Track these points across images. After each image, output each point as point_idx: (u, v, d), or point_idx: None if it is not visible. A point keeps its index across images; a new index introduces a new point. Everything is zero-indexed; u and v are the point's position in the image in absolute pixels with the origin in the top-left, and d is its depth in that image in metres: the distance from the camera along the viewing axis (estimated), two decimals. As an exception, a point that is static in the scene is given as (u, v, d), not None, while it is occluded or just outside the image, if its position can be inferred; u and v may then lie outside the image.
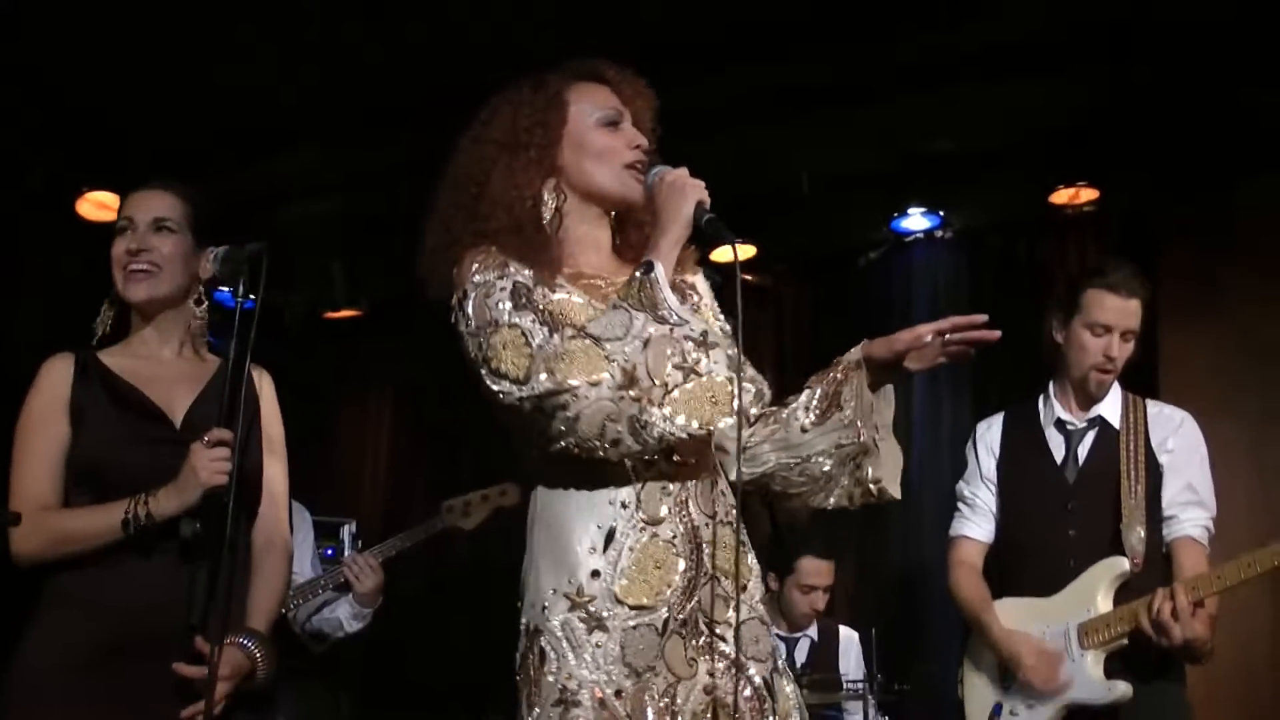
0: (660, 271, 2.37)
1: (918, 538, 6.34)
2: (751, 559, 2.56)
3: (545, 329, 2.35)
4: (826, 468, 2.62)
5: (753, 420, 2.64)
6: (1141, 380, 4.19)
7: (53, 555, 2.89)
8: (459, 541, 5.19)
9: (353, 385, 8.04)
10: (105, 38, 5.13)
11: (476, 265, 2.47)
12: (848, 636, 5.57)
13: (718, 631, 2.44)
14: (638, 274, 2.39)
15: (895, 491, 2.64)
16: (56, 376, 3.04)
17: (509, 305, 2.39)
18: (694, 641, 2.41)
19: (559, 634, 2.37)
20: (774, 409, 2.69)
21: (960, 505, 4.26)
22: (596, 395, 2.26)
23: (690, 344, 2.32)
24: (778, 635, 5.49)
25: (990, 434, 4.22)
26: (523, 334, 2.34)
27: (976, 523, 4.19)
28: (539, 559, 2.47)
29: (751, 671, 2.45)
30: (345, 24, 5.14)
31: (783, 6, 5.02)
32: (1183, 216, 5.92)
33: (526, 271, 2.46)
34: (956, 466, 6.12)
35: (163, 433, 3.00)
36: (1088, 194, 6.01)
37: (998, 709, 3.99)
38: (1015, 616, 3.96)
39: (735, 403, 2.34)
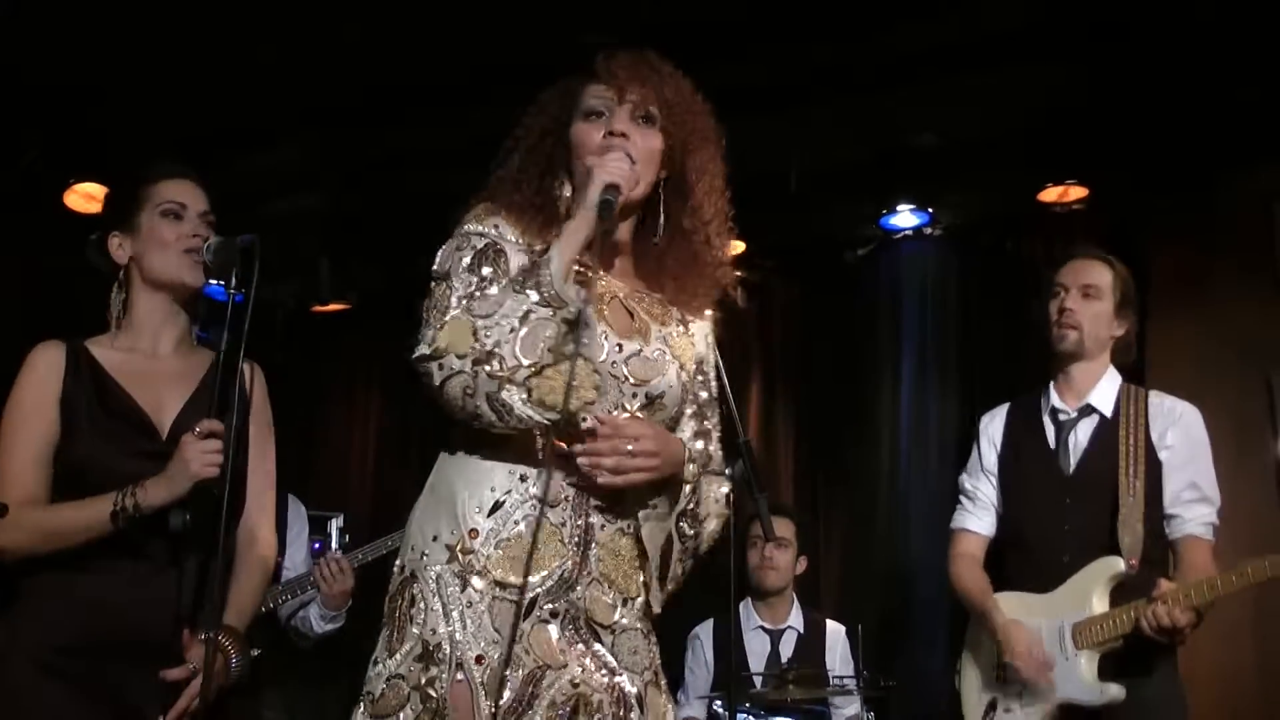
0: (554, 254, 2.37)
1: (905, 533, 6.37)
2: (644, 577, 2.53)
3: (469, 299, 2.39)
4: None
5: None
6: (1130, 376, 4.20)
7: (40, 550, 2.87)
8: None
9: (340, 378, 8.04)
10: (93, 31, 5.12)
11: (471, 217, 2.52)
12: (834, 631, 5.57)
13: (597, 633, 2.44)
14: (534, 258, 2.42)
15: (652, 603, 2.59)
16: (48, 367, 2.99)
17: (466, 260, 2.44)
18: (569, 633, 2.40)
19: (432, 584, 2.38)
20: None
21: (961, 498, 4.25)
22: (459, 367, 2.31)
23: (565, 326, 2.33)
24: (763, 628, 5.50)
25: (993, 425, 4.23)
26: (449, 296, 2.41)
27: (977, 515, 4.18)
28: (428, 505, 2.48)
29: (622, 679, 2.43)
30: (333, 18, 5.13)
31: (771, 1, 5.02)
32: (1170, 214, 5.94)
33: (514, 235, 2.49)
34: (943, 463, 6.16)
35: (149, 445, 2.97)
36: (1076, 192, 6.03)
37: (992, 705, 3.99)
38: (1013, 610, 3.96)
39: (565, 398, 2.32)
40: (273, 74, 5.48)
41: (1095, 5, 4.93)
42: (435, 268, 2.48)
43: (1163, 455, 3.91)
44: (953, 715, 4.18)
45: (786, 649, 5.46)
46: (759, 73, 5.36)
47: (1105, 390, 4.02)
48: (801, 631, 5.49)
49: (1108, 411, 3.99)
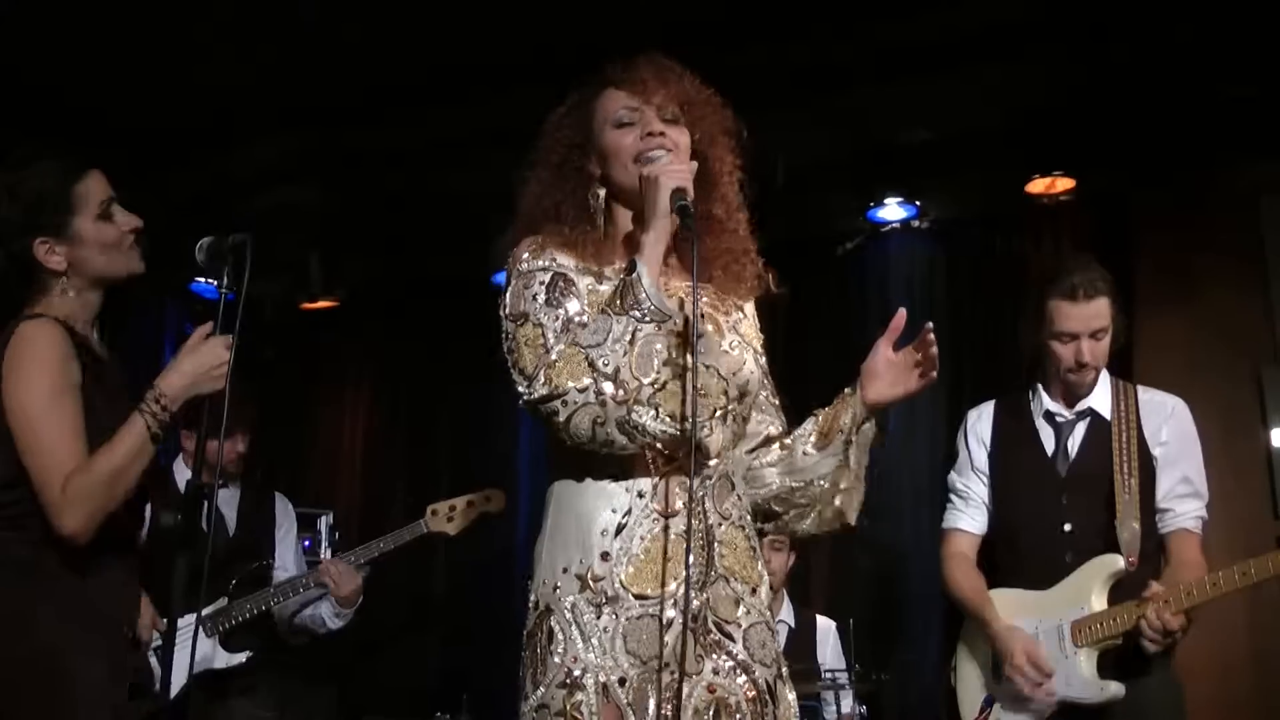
0: (642, 270, 2.41)
1: (894, 527, 6.36)
2: (761, 565, 2.60)
3: (565, 332, 2.42)
4: (825, 486, 2.67)
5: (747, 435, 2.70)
6: (1119, 368, 4.20)
7: (111, 505, 2.85)
8: (438, 540, 5.18)
9: (329, 375, 8.02)
10: (80, 24, 5.10)
11: (527, 254, 2.54)
12: (825, 626, 5.56)
13: (726, 630, 2.48)
14: (623, 276, 2.44)
15: (851, 517, 2.70)
16: (62, 347, 2.93)
17: (542, 299, 2.47)
18: (703, 638, 2.45)
19: (568, 615, 2.42)
20: (781, 438, 2.75)
21: (952, 497, 4.23)
22: (584, 400, 2.34)
23: (675, 339, 2.38)
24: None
25: (981, 424, 4.20)
26: (543, 334, 2.42)
27: (969, 515, 4.16)
28: (553, 537, 2.52)
29: (756, 674, 2.48)
30: (321, 12, 5.11)
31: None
32: (1158, 205, 5.96)
33: (572, 262, 2.53)
34: (932, 455, 6.16)
35: None
36: (1064, 183, 6.02)
37: (989, 701, 3.98)
38: (1009, 607, 3.95)
39: (690, 400, 2.38)
40: (263, 67, 5.47)
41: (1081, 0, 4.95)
42: (507, 311, 2.51)
43: (1156, 452, 3.92)
44: (949, 712, 4.15)
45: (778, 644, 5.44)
46: (745, 67, 5.35)
47: (1101, 392, 4.02)
48: (792, 626, 5.48)
49: (1106, 413, 3.99)
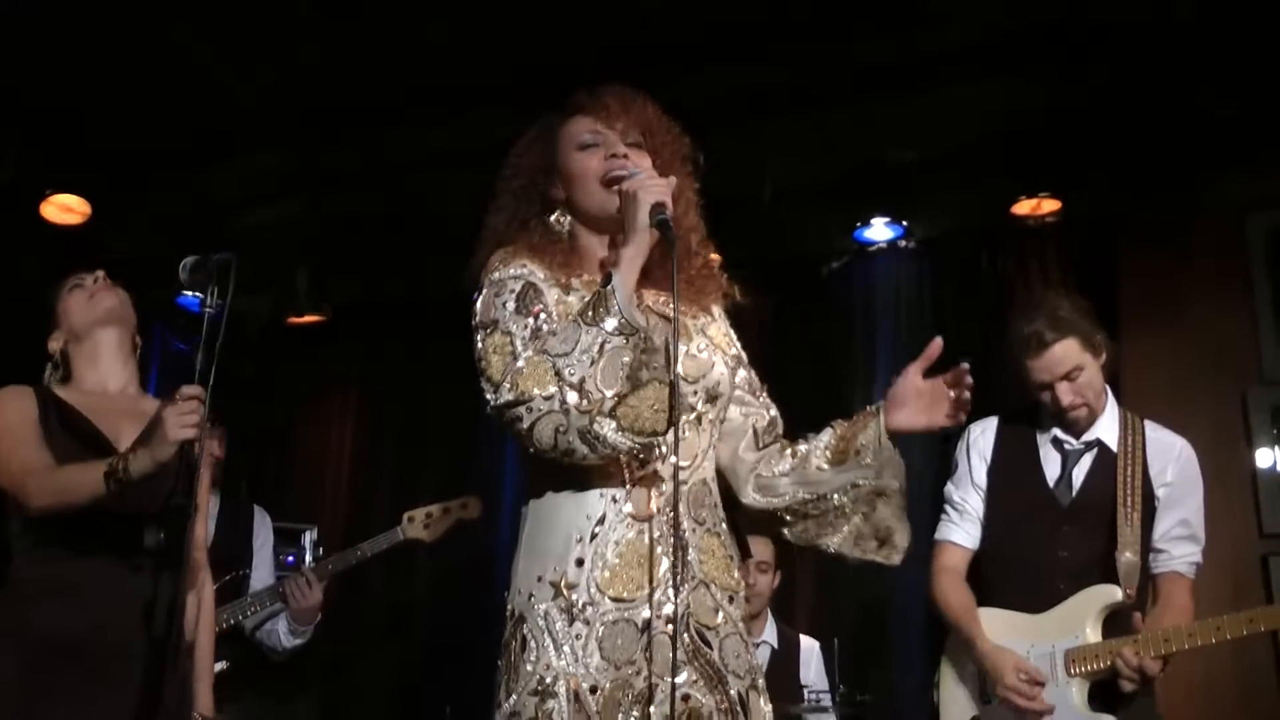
0: (617, 283, 2.43)
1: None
2: (737, 574, 2.61)
3: (534, 340, 2.44)
4: (838, 501, 2.72)
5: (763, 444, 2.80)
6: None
7: (58, 506, 3.05)
8: (418, 549, 5.17)
9: (315, 391, 8.00)
10: (69, 41, 5.10)
11: (498, 263, 2.58)
12: (808, 647, 5.54)
13: (706, 638, 2.50)
14: (598, 289, 2.46)
15: (898, 554, 2.79)
16: (23, 400, 3.26)
17: (511, 308, 2.49)
18: (683, 641, 2.46)
19: (541, 623, 2.44)
20: (795, 444, 2.80)
21: (947, 509, 4.14)
22: (548, 407, 2.35)
23: (643, 353, 2.39)
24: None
25: (984, 439, 4.12)
26: (511, 341, 2.45)
27: (964, 529, 4.09)
28: (530, 546, 2.54)
29: (729, 684, 2.49)
30: (307, 27, 5.12)
31: (744, 13, 5.02)
32: (1143, 225, 5.98)
33: (542, 272, 2.57)
34: (917, 477, 6.13)
35: None
36: (1049, 205, 6.05)
37: None
38: (998, 627, 3.89)
39: (671, 410, 2.38)
40: (248, 83, 5.47)
41: (1069, 20, 4.96)
42: (478, 319, 2.53)
43: (1160, 491, 3.88)
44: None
45: (761, 664, 5.42)
46: (732, 86, 5.37)
47: (1109, 422, 3.96)
48: (775, 647, 5.47)
49: (1114, 445, 3.93)
